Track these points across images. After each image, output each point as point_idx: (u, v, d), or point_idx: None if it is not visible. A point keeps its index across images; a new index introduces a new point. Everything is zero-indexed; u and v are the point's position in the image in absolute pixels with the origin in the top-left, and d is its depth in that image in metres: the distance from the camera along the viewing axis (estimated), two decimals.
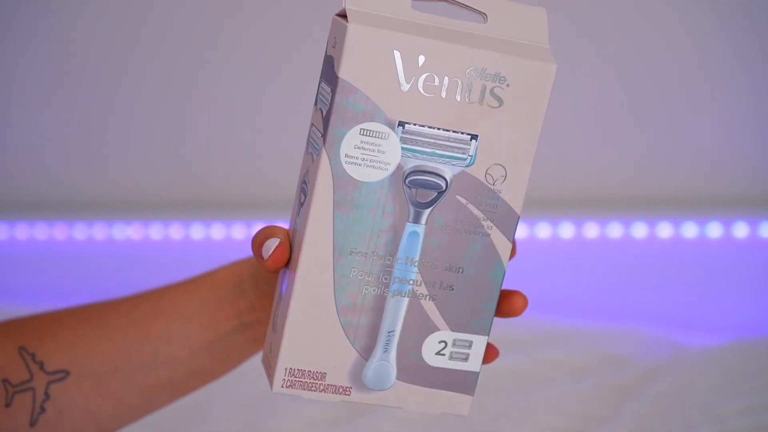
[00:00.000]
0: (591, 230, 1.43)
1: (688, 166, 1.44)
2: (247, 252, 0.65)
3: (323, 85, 0.49)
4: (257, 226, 1.49)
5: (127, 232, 1.52)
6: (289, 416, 1.05)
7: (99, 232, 1.52)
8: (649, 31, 1.40)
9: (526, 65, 0.47)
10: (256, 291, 0.62)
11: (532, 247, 1.43)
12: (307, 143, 0.50)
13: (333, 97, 0.47)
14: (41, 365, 0.62)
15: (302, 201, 0.49)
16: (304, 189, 0.49)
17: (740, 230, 1.39)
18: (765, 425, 0.95)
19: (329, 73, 0.48)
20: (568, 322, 1.24)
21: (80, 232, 1.53)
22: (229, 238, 1.50)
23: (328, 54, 0.49)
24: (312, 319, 0.48)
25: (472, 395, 0.50)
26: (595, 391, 1.08)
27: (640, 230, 1.42)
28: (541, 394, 1.08)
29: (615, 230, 1.42)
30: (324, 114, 0.48)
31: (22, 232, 1.53)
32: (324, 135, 0.47)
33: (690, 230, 1.40)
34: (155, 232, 1.52)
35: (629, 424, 1.00)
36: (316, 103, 0.49)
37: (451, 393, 0.51)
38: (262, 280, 0.61)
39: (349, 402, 0.49)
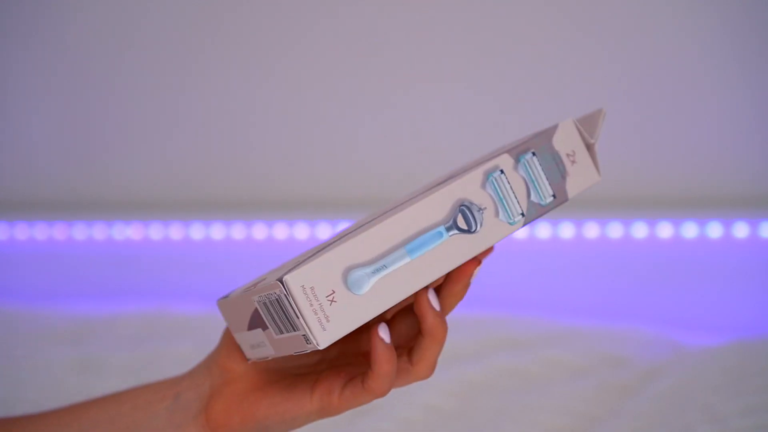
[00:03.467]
0: (591, 230, 1.43)
1: (688, 166, 1.44)
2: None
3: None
4: (257, 226, 1.49)
5: (127, 232, 1.52)
6: None
7: (99, 232, 1.52)
8: (649, 31, 1.40)
9: None
10: (201, 366, 0.63)
11: (532, 247, 1.43)
12: None
13: None
14: None
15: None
16: None
17: (740, 230, 1.39)
18: (765, 425, 0.95)
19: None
20: (568, 322, 1.24)
21: (80, 232, 1.53)
22: (229, 238, 1.50)
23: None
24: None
25: None
26: (595, 391, 1.08)
27: (640, 230, 1.42)
28: (541, 394, 1.08)
29: (615, 230, 1.42)
30: None
31: (22, 232, 1.53)
32: None
33: (690, 230, 1.40)
34: (155, 232, 1.52)
35: (629, 424, 1.00)
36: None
37: None
38: (214, 352, 0.62)
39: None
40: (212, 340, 1.02)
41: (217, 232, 1.51)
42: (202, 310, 1.30)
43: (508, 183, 0.58)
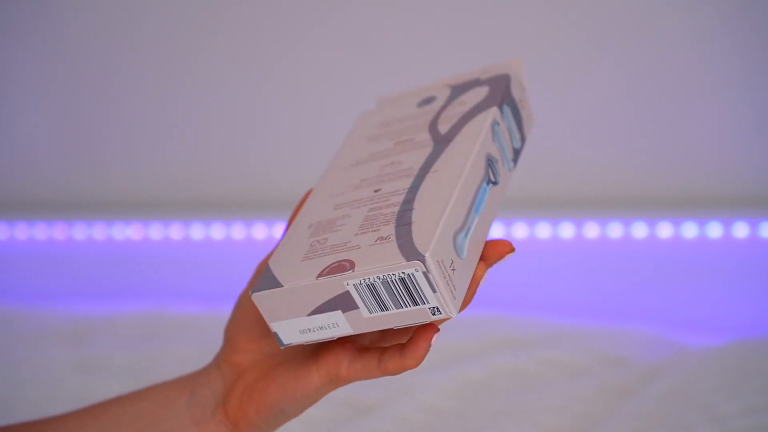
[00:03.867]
0: (591, 230, 1.43)
1: (688, 166, 1.44)
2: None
3: None
4: (257, 226, 1.49)
5: (127, 232, 1.52)
6: None
7: (99, 232, 1.52)
8: (649, 31, 1.40)
9: None
10: (212, 363, 0.63)
11: (533, 247, 1.43)
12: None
13: None
14: None
15: None
16: None
17: (740, 230, 1.39)
18: (765, 425, 0.95)
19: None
20: (568, 322, 1.24)
21: (80, 232, 1.53)
22: (229, 238, 1.50)
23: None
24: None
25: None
26: (595, 391, 1.08)
27: (640, 230, 1.42)
28: (541, 394, 1.08)
29: (615, 230, 1.42)
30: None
31: (22, 232, 1.53)
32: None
33: (690, 230, 1.40)
34: (155, 232, 1.52)
35: (629, 424, 1.00)
36: None
37: None
38: (223, 346, 0.62)
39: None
40: (212, 339, 1.02)
41: (217, 232, 1.51)
42: (202, 310, 1.30)
43: (502, 134, 0.62)
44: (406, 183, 0.58)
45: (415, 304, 0.53)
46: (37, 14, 1.49)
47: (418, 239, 0.53)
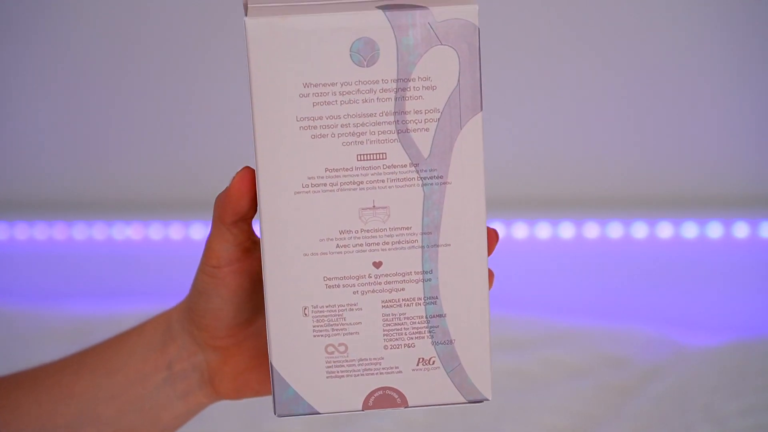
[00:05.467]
0: (591, 230, 1.43)
1: (688, 166, 1.44)
2: None
3: None
4: (256, 226, 1.49)
5: (127, 232, 1.52)
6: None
7: (99, 232, 1.52)
8: (649, 31, 1.40)
9: None
10: (185, 335, 0.60)
11: (533, 247, 1.43)
12: None
13: None
14: None
15: None
16: None
17: (740, 230, 1.39)
18: (765, 425, 0.95)
19: None
20: (568, 322, 1.24)
21: (80, 232, 1.53)
22: None
23: None
24: None
25: None
26: (595, 391, 1.08)
27: (640, 230, 1.41)
28: (541, 394, 1.08)
29: (615, 230, 1.42)
30: None
31: (22, 232, 1.53)
32: None
33: (690, 230, 1.40)
34: (155, 232, 1.51)
35: (629, 424, 1.00)
36: None
37: None
38: (192, 324, 0.59)
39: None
40: None
41: None
42: None
43: None
44: (415, 259, 0.50)
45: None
46: (37, 14, 1.49)
47: (475, 375, 0.50)
